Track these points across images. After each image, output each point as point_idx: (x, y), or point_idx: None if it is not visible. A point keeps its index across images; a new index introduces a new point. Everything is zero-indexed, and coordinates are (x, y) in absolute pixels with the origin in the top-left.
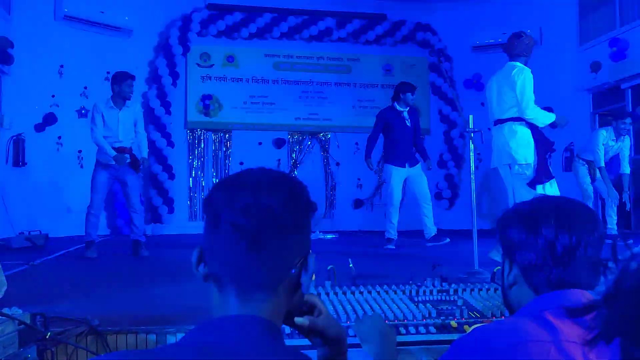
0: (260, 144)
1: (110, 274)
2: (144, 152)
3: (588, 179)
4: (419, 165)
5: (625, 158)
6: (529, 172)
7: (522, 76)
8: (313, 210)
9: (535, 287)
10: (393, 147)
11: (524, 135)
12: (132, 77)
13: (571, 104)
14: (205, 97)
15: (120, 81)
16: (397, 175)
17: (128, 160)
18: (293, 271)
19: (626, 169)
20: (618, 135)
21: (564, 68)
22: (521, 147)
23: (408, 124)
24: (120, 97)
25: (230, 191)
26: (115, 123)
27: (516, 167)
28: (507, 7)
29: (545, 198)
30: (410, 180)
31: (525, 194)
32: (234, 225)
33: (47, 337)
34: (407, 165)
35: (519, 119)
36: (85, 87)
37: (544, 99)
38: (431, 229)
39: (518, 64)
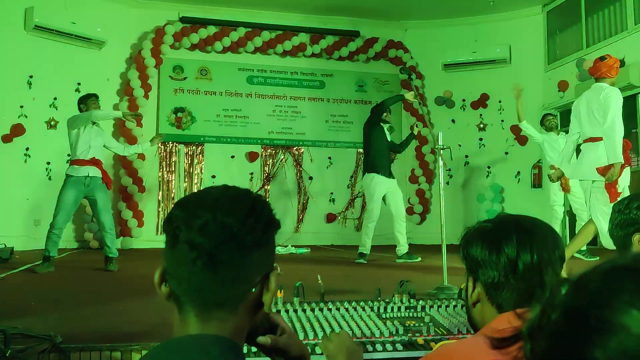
0: (232, 157)
1: (76, 289)
2: (136, 147)
3: (560, 199)
4: (395, 180)
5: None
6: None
7: (616, 98)
8: (275, 228)
9: (499, 305)
10: (380, 158)
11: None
12: (96, 96)
13: (539, 123)
14: (178, 110)
15: (86, 99)
16: (382, 186)
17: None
18: (253, 290)
19: None
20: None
21: (532, 87)
22: None
23: (388, 139)
24: None
25: (189, 210)
26: (88, 138)
27: (602, 184)
28: (477, 27)
29: (507, 217)
30: (388, 195)
31: (605, 212)
32: (190, 244)
33: (7, 355)
34: (389, 176)
35: None
36: (55, 99)
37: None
38: (404, 247)
39: (606, 85)
